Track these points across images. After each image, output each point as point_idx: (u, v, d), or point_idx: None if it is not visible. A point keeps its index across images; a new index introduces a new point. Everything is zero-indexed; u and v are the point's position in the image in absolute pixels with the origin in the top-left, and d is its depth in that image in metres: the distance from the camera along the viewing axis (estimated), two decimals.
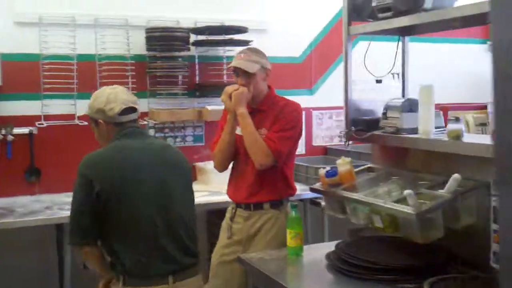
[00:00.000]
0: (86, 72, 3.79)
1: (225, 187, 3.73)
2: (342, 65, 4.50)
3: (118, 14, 3.88)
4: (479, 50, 4.77)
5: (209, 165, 4.02)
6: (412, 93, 2.75)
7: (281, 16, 4.37)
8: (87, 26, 3.80)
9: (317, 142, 4.49)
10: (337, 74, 4.61)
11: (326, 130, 4.57)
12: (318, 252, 2.43)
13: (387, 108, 2.48)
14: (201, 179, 4.01)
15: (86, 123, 3.72)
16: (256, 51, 2.74)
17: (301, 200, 3.63)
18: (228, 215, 2.87)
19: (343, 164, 2.47)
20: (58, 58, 3.71)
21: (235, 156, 2.78)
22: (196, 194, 3.68)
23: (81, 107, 3.76)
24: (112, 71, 3.82)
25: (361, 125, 2.56)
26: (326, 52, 4.56)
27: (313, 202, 3.68)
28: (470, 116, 3.00)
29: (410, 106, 2.38)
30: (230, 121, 2.69)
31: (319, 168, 3.91)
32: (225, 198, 3.59)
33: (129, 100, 2.31)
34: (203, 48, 4.10)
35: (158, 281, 2.16)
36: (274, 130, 2.67)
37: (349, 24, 2.60)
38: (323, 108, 4.49)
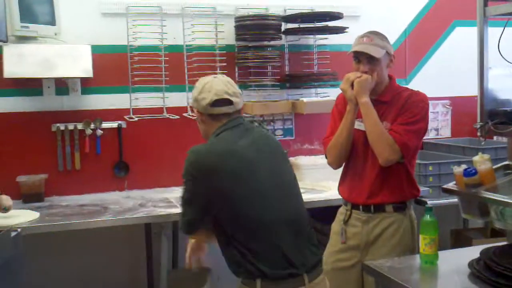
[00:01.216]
0: (175, 64, 3.63)
1: (321, 184, 3.53)
2: (438, 52, 4.35)
3: (205, 3, 3.69)
4: None
5: (301, 160, 3.82)
6: None
7: (374, 1, 4.09)
8: (174, 16, 3.64)
9: None
10: (433, 62, 4.34)
11: None
12: (455, 260, 2.20)
13: None
14: None
15: (176, 116, 3.59)
16: (379, 35, 2.49)
17: None
18: (341, 217, 2.62)
19: (482, 162, 2.21)
20: (147, 49, 3.56)
21: (350, 151, 2.54)
22: None
23: (170, 100, 3.62)
24: (201, 62, 3.64)
25: (499, 117, 2.27)
26: (421, 38, 4.27)
27: (417, 201, 3.39)
28: None
29: None
30: (351, 112, 2.44)
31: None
32: (321, 196, 3.39)
33: (225, 92, 2.10)
34: (293, 37, 3.88)
35: (295, 282, 2.00)
36: (399, 123, 2.41)
37: (485, 4, 2.31)
38: None
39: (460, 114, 4.46)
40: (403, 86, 2.59)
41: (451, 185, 2.29)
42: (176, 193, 3.51)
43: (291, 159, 3.85)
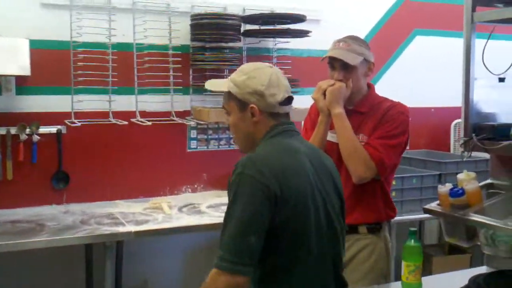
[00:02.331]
0: (123, 64, 3.30)
1: None
2: (398, 61, 4.23)
3: None
4: None
5: None
6: None
7: (335, 5, 3.92)
8: (124, 11, 3.30)
9: None
10: (393, 71, 4.21)
11: None
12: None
13: None
14: None
15: (123, 122, 3.24)
16: (358, 40, 2.29)
17: None
18: None
19: (469, 181, 2.04)
20: (92, 47, 3.19)
21: None
22: None
23: (117, 103, 3.28)
24: (152, 62, 3.33)
25: (486, 132, 2.11)
26: (381, 46, 4.11)
27: None
28: None
29: None
30: (323, 123, 2.23)
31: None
32: None
33: (289, 87, 1.76)
34: (252, 39, 3.63)
35: None
36: (376, 136, 2.21)
37: (473, 9, 2.13)
38: None
39: (416, 125, 4.36)
40: (383, 96, 2.39)
41: (434, 205, 2.10)
42: (121, 207, 3.19)
43: None
